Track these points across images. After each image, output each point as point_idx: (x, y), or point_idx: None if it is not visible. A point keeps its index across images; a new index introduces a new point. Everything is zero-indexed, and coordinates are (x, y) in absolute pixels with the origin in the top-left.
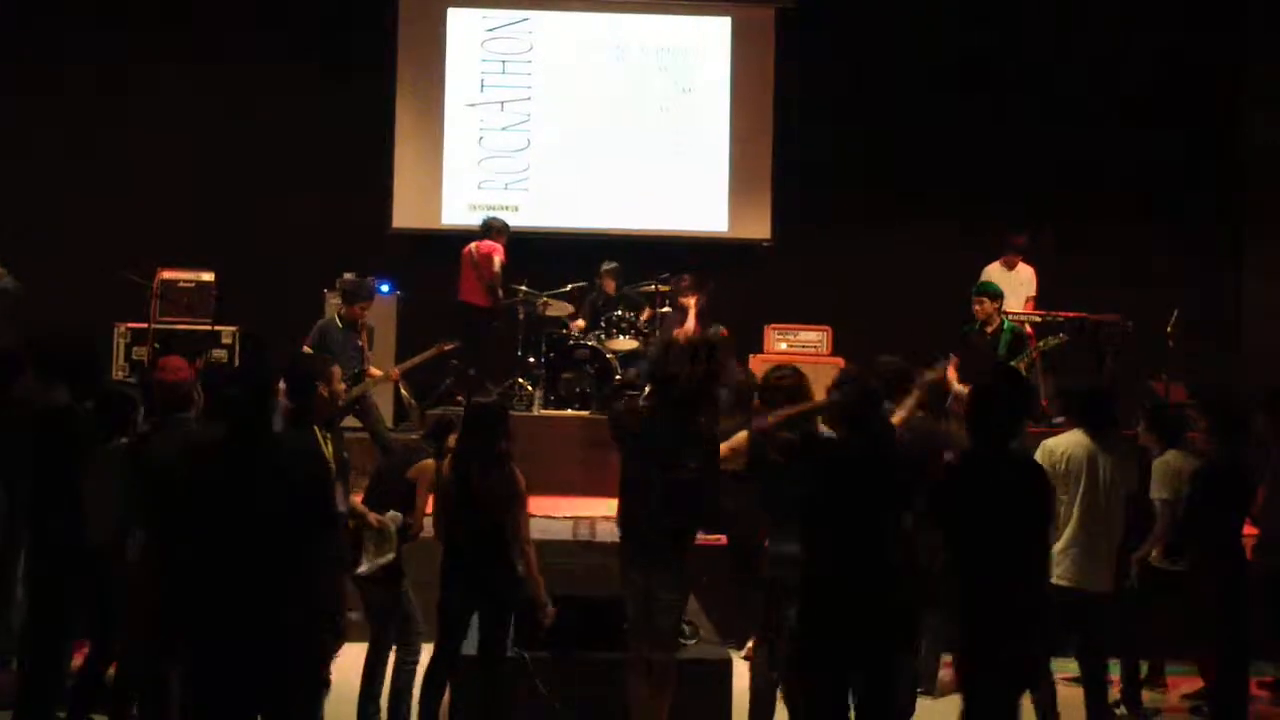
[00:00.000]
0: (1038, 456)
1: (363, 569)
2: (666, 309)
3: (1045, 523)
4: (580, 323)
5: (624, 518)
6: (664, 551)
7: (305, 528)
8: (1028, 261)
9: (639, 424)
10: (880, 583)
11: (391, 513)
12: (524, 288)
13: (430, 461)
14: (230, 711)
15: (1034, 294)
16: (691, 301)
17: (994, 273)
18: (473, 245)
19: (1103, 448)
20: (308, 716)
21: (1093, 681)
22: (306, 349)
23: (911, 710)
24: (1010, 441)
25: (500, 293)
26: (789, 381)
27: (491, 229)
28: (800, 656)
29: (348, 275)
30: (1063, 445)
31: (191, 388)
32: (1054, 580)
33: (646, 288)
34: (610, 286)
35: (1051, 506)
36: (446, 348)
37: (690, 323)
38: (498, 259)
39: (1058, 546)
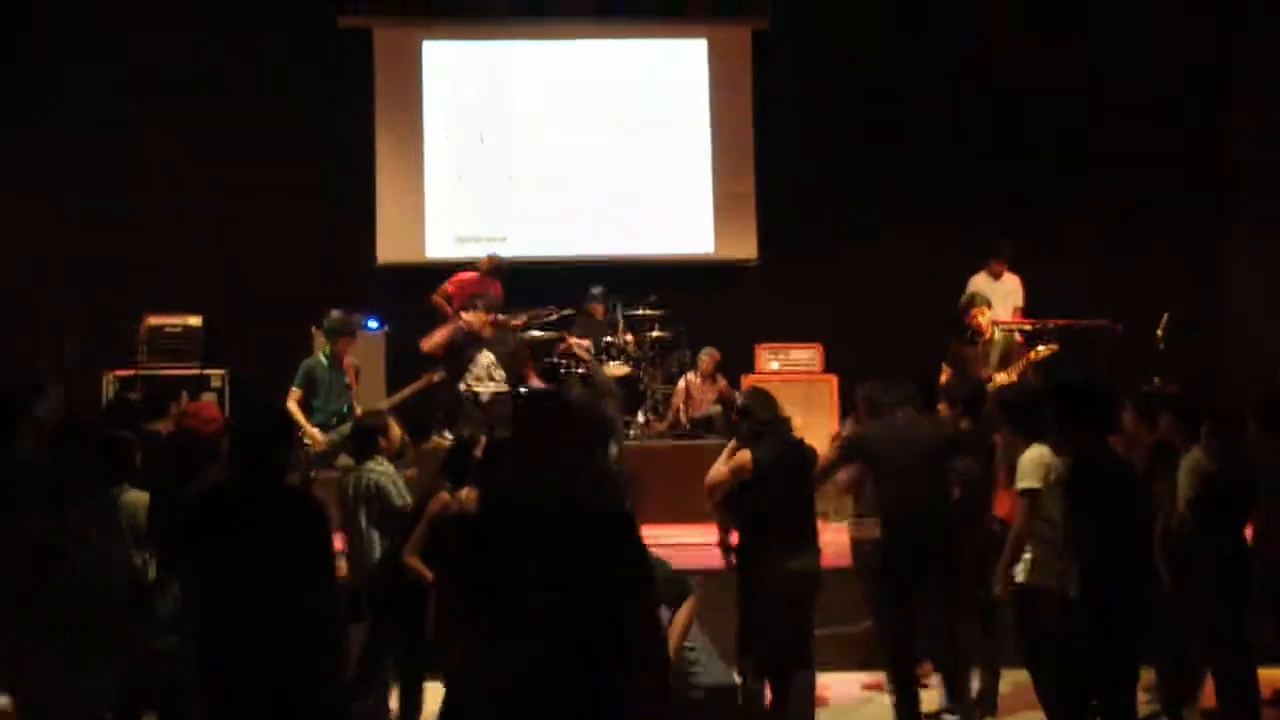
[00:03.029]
0: (1033, 471)
1: None
2: (656, 333)
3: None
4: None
5: None
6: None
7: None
8: (1013, 271)
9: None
10: None
11: None
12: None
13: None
14: None
15: (1021, 304)
16: (477, 321)
17: (980, 283)
18: None
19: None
20: None
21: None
22: (294, 390)
23: None
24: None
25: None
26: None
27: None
28: None
29: (334, 312)
30: (1046, 456)
31: (221, 439)
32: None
33: (637, 312)
34: (598, 311)
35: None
36: (435, 379)
37: (441, 333)
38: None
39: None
